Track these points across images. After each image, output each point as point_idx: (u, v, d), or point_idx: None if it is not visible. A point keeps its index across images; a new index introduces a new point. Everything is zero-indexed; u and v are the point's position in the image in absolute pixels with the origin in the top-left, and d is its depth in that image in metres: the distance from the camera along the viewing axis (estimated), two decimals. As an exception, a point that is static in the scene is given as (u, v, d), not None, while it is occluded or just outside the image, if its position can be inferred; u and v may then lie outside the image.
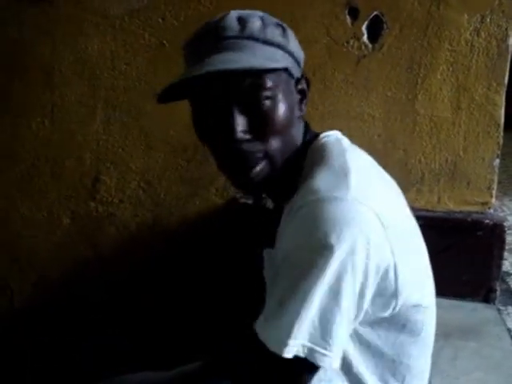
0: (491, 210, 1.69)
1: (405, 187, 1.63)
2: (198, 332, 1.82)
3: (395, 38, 1.65)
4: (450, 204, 1.70)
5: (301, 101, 0.96)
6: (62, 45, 1.80)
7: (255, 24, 0.90)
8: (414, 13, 1.63)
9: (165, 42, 1.74)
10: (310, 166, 0.94)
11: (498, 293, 1.66)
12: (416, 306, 0.94)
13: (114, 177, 1.84)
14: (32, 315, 1.98)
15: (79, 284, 1.93)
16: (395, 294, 0.89)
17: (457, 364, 1.35)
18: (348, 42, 1.67)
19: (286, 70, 0.91)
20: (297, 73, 0.95)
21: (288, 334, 0.81)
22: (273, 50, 0.90)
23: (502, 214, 1.79)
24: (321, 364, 0.82)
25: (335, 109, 1.70)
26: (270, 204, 1.08)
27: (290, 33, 0.95)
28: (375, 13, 1.65)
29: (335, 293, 0.81)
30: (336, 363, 0.83)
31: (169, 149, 1.79)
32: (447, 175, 1.69)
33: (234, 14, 0.91)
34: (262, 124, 0.89)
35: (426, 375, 1.03)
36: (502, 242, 1.63)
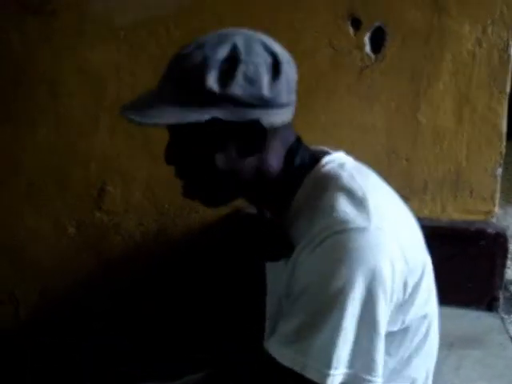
0: (494, 219, 1.70)
1: (408, 197, 1.66)
2: (199, 340, 1.82)
3: (397, 49, 1.67)
4: (452, 213, 1.71)
5: (253, 142, 0.91)
6: (66, 55, 1.81)
7: (186, 67, 0.88)
8: (416, 24, 1.65)
9: (169, 52, 1.75)
10: (317, 191, 0.94)
11: (501, 301, 1.66)
12: (422, 317, 0.95)
13: (119, 186, 1.85)
14: (37, 325, 1.99)
15: (84, 293, 1.94)
16: (404, 311, 0.91)
17: (460, 373, 1.35)
18: (351, 53, 1.68)
19: (212, 120, 0.87)
20: (240, 117, 0.89)
21: (328, 363, 0.82)
22: (199, 99, 0.87)
23: (505, 223, 1.80)
24: None
25: (338, 119, 1.71)
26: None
27: (247, 70, 0.88)
28: (377, 24, 1.66)
29: (370, 319, 0.83)
30: None
31: (173, 158, 1.80)
32: (450, 185, 1.70)
33: (183, 51, 0.91)
34: (185, 170, 0.96)
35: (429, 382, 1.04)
36: (505, 250, 1.64)
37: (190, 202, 1.83)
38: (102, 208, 1.87)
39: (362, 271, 0.82)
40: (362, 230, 0.84)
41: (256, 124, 0.89)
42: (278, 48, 0.94)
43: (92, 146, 1.85)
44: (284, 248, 0.98)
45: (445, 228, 1.67)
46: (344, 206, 0.88)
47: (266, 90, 0.89)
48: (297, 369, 0.83)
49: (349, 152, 1.01)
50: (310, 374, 0.82)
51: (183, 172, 0.97)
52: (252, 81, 0.88)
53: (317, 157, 0.99)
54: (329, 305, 0.82)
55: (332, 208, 0.88)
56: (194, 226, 1.82)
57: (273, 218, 1.04)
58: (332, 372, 0.82)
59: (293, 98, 0.95)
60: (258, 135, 0.90)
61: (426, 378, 1.02)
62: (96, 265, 1.91)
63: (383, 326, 0.85)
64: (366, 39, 1.67)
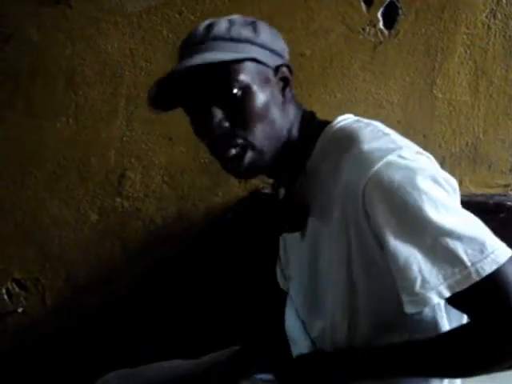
0: (513, 192, 1.69)
1: (425, 171, 1.66)
2: (222, 320, 1.84)
3: (411, 24, 1.66)
4: (471, 187, 1.70)
5: (283, 88, 1.01)
6: (83, 45, 1.83)
7: (221, 26, 0.98)
8: (429, -3, 1.64)
9: (183, 37, 1.76)
10: (334, 143, 0.99)
11: (522, 274, 1.66)
12: None
13: (139, 172, 1.87)
14: (63, 311, 2.02)
15: (108, 278, 1.97)
16: None
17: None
18: (364, 30, 1.68)
19: (254, 60, 0.97)
20: (272, 62, 1.00)
21: (461, 263, 0.83)
22: (238, 45, 0.96)
23: (524, 195, 1.78)
24: (503, 259, 0.84)
25: (353, 96, 1.71)
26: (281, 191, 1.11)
27: (263, 28, 1.01)
28: (390, -1, 1.66)
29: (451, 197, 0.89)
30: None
31: (190, 142, 1.81)
32: (468, 158, 1.70)
33: (204, 22, 1.01)
34: (238, 113, 0.96)
35: None
36: (525, 223, 1.63)
37: (210, 185, 1.87)
38: (123, 194, 1.89)
39: (419, 181, 0.86)
40: (397, 155, 0.88)
41: (284, 67, 1.01)
42: None
43: (111, 133, 1.87)
44: (298, 220, 1.00)
45: (463, 202, 1.63)
46: (371, 146, 0.91)
47: (279, 44, 1.03)
48: (451, 290, 0.84)
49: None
50: (465, 281, 0.83)
51: (238, 127, 0.97)
52: (271, 34, 1.01)
53: (328, 122, 1.04)
54: (422, 216, 0.85)
55: (358, 149, 0.92)
56: (215, 208, 1.84)
57: (288, 191, 1.07)
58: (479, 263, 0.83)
59: None
60: (286, 78, 1.01)
61: None
62: (118, 250, 1.93)
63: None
64: (379, 15, 1.67)
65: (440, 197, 0.87)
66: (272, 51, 1.00)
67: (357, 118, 1.04)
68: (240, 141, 0.97)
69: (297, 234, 1.05)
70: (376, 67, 1.69)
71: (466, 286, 0.83)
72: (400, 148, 0.90)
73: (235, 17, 1.01)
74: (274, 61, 1.00)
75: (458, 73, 1.66)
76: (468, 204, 1.63)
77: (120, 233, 1.92)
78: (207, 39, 0.96)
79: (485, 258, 0.82)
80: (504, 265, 0.83)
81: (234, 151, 0.97)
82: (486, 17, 1.63)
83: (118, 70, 1.83)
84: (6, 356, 2.05)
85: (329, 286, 1.00)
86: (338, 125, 1.02)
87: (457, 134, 1.69)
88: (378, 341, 0.95)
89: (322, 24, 1.68)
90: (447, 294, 0.84)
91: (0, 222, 1.97)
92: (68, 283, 1.99)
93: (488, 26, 1.63)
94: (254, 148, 0.97)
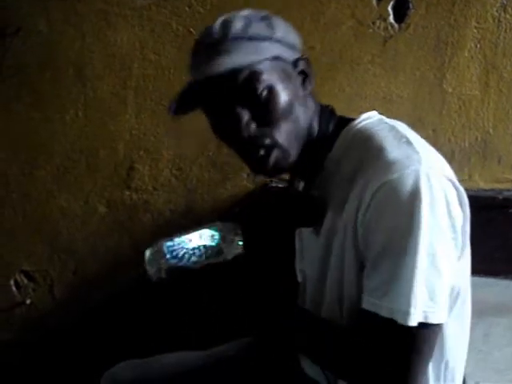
0: (523, 187, 1.69)
1: (435, 166, 1.65)
2: (233, 314, 1.85)
3: (421, 18, 1.65)
4: (480, 182, 1.70)
5: (303, 81, 1.01)
6: (92, 38, 1.83)
7: (238, 25, 0.95)
8: (440, -9, 1.63)
9: (192, 29, 1.76)
10: (357, 142, 0.98)
11: (530, 270, 1.66)
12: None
13: (147, 165, 1.87)
14: (72, 303, 2.03)
15: (116, 271, 1.98)
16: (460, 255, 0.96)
17: (490, 340, 1.37)
18: (374, 23, 1.67)
19: (275, 58, 0.96)
20: (291, 56, 1.00)
21: (408, 303, 0.87)
22: (257, 44, 0.95)
23: (534, 191, 1.78)
24: (433, 321, 0.88)
25: (363, 90, 1.71)
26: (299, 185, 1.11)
27: (278, 22, 0.99)
28: (401, -8, 1.65)
29: (437, 252, 0.88)
30: (444, 315, 0.90)
31: (199, 135, 1.81)
32: (477, 153, 1.69)
33: (219, 20, 0.98)
34: (264, 113, 0.96)
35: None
36: (534, 218, 1.63)
37: (218, 178, 1.87)
38: (131, 187, 1.90)
39: (424, 210, 0.86)
40: (415, 171, 0.88)
41: (302, 60, 1.01)
42: None
43: (120, 126, 1.87)
44: (317, 214, 1.00)
45: (473, 197, 1.63)
46: (392, 151, 0.91)
47: (294, 37, 1.02)
48: (394, 317, 0.88)
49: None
50: (397, 317, 0.87)
51: (265, 127, 0.96)
52: (286, 28, 1.00)
53: (350, 118, 1.04)
54: (404, 253, 0.86)
55: (379, 155, 0.92)
56: (223, 201, 1.85)
57: (307, 185, 1.07)
58: (411, 310, 0.87)
59: None
60: (308, 70, 1.01)
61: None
62: (126, 242, 1.94)
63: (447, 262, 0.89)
64: (390, 9, 1.66)
65: (434, 240, 0.87)
66: (289, 46, 0.99)
67: (380, 116, 1.03)
68: (267, 140, 0.96)
69: (313, 230, 1.05)
70: (386, 61, 1.68)
71: (387, 316, 0.88)
72: (419, 162, 0.89)
73: (248, 12, 0.99)
74: (291, 55, 1.00)
75: (468, 67, 1.66)
76: (476, 199, 1.65)
77: (128, 225, 1.92)
78: (225, 40, 0.95)
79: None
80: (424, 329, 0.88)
81: (262, 152, 0.97)
82: (497, 11, 1.62)
83: (127, 63, 1.83)
84: (14, 347, 2.07)
85: (339, 283, 1.02)
86: (361, 124, 1.01)
87: (466, 129, 1.69)
88: None
89: (332, 18, 1.68)
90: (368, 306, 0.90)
91: (9, 214, 1.98)
92: (76, 275, 2.00)
93: (498, 20, 1.62)
94: (280, 147, 0.97)
